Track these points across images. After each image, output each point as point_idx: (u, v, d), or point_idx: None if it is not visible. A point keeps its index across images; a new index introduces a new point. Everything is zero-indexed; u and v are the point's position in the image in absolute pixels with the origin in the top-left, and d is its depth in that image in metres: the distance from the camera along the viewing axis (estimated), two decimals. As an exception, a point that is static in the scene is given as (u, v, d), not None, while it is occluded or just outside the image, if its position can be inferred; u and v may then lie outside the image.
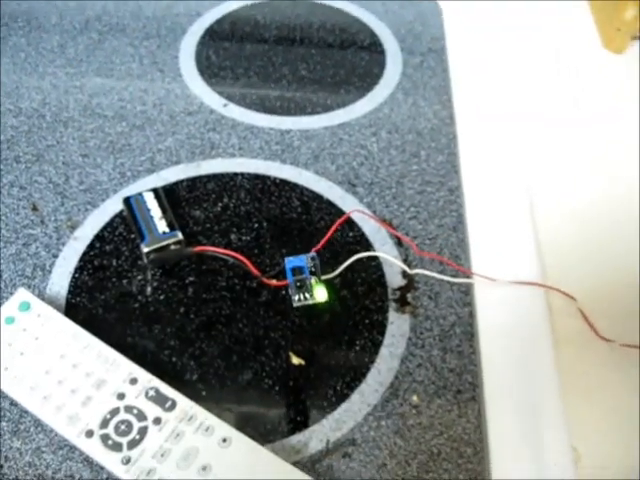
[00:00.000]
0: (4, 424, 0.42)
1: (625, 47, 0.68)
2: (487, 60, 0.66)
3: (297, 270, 0.46)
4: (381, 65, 0.65)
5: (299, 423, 0.43)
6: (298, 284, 0.45)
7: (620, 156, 0.59)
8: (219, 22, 0.69)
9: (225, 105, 0.61)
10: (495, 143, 0.59)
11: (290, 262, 0.46)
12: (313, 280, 0.46)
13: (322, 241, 0.49)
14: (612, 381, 0.46)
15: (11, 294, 0.46)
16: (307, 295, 0.46)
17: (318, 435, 0.42)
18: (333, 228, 0.50)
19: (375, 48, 0.67)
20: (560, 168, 0.58)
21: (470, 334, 0.47)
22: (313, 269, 0.46)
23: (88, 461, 0.40)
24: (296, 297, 0.46)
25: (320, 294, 0.46)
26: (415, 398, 0.44)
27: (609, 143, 0.60)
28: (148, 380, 0.42)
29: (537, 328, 0.48)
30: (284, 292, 0.48)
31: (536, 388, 0.45)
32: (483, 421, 0.44)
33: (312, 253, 0.47)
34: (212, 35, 0.68)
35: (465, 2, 0.73)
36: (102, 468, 0.40)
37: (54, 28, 0.68)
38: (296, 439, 0.42)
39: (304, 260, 0.46)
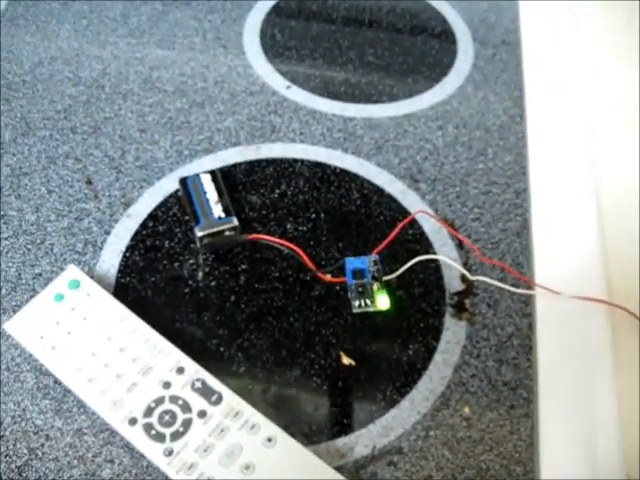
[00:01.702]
0: (47, 402, 0.41)
1: None
2: (562, 57, 0.63)
3: (358, 273, 0.44)
4: (452, 55, 0.63)
5: (345, 426, 0.42)
6: (359, 289, 0.44)
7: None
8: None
9: (288, 87, 0.59)
10: (566, 146, 0.56)
11: (351, 263, 0.44)
12: (375, 286, 0.44)
13: (384, 243, 0.47)
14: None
15: (61, 269, 0.46)
16: (368, 302, 0.44)
17: (364, 440, 0.41)
18: (396, 230, 0.48)
19: (446, 37, 0.64)
20: (636, 178, 0.55)
21: (528, 347, 0.45)
22: (375, 273, 0.44)
23: (129, 447, 0.40)
24: (356, 303, 0.44)
25: (382, 302, 0.44)
26: (467, 410, 0.43)
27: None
28: (195, 371, 0.41)
29: (599, 346, 0.46)
30: (338, 288, 0.46)
31: (594, 410, 0.43)
32: (536, 440, 0.42)
33: (374, 255, 0.46)
34: (278, 12, 0.66)
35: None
36: (142, 456, 0.39)
37: (118, -4, 0.67)
38: (342, 442, 0.41)
39: (366, 262, 0.44)
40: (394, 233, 0.48)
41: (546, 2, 0.68)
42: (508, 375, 0.44)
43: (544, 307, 0.47)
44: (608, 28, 0.67)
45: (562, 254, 0.50)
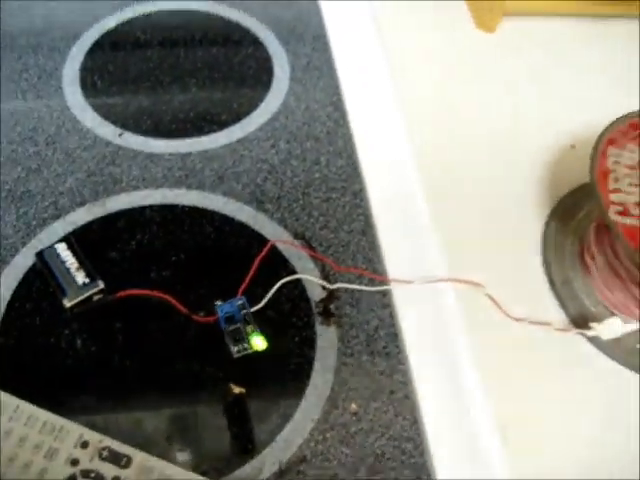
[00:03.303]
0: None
1: (495, 26, 0.72)
2: (371, 53, 0.69)
3: (230, 319, 0.48)
4: (269, 71, 0.66)
5: (251, 450, 0.45)
6: (235, 336, 0.47)
7: (510, 140, 0.63)
8: (98, 44, 0.67)
9: (120, 134, 0.60)
10: (389, 138, 0.62)
11: (222, 309, 0.48)
12: (248, 328, 0.48)
13: (246, 281, 0.50)
14: (523, 353, 0.51)
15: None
16: (245, 345, 0.47)
17: (270, 458, 0.45)
18: (255, 265, 0.51)
19: (260, 53, 0.68)
20: (451, 152, 0.62)
21: (394, 334, 0.51)
22: (246, 317, 0.48)
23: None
24: (235, 349, 0.47)
25: (258, 343, 0.48)
26: (353, 406, 0.47)
27: (495, 121, 0.64)
28: (99, 440, 0.42)
29: (453, 318, 0.52)
30: (214, 325, 0.49)
31: (461, 378, 0.49)
32: (418, 415, 0.47)
33: (241, 298, 0.49)
34: (93, 59, 0.66)
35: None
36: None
37: None
38: (251, 467, 0.44)
39: (235, 307, 0.48)
40: (253, 269, 0.51)
41: (345, 2, 0.73)
42: (382, 365, 0.49)
43: (399, 295, 0.53)
44: (408, 18, 0.73)
45: (405, 241, 0.56)
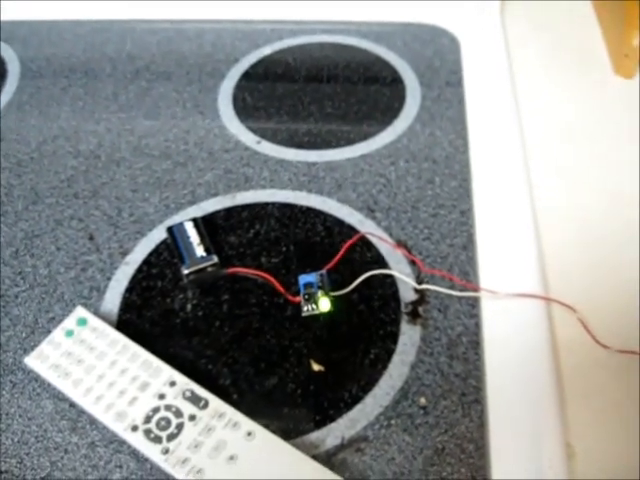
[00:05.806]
0: (64, 422, 0.49)
1: (633, 73, 0.72)
2: (501, 91, 0.72)
3: (308, 285, 0.53)
4: (401, 99, 0.71)
5: (318, 422, 0.48)
6: (306, 297, 0.53)
7: (622, 175, 0.63)
8: (254, 67, 0.77)
9: (258, 142, 0.68)
10: (505, 167, 0.64)
11: (303, 279, 0.54)
12: (319, 293, 0.52)
13: (334, 260, 0.56)
14: (609, 384, 0.50)
15: (70, 312, 0.53)
16: (313, 306, 0.53)
17: (334, 432, 0.48)
18: (344, 248, 0.56)
19: (395, 84, 0.73)
20: (565, 188, 0.63)
21: (475, 343, 0.52)
22: (321, 284, 0.53)
23: (134, 454, 0.47)
24: (304, 308, 0.53)
25: (324, 305, 0.52)
26: (423, 400, 0.49)
27: (612, 162, 0.64)
28: (185, 383, 0.48)
29: (537, 336, 0.52)
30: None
31: (535, 391, 0.50)
32: (485, 420, 0.48)
33: (322, 271, 0.54)
34: (248, 78, 0.75)
35: (482, 36, 0.78)
36: (146, 459, 0.46)
37: (108, 78, 0.77)
38: (315, 436, 0.48)
39: (314, 277, 0.54)
40: (342, 251, 0.56)
41: (484, 45, 0.77)
42: (459, 368, 0.51)
43: (488, 307, 0.54)
44: (543, 61, 0.75)
45: (503, 260, 0.57)
